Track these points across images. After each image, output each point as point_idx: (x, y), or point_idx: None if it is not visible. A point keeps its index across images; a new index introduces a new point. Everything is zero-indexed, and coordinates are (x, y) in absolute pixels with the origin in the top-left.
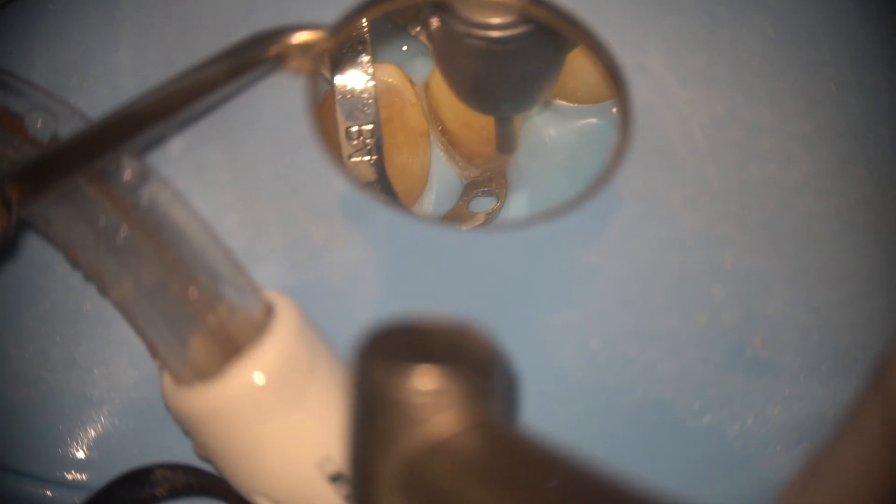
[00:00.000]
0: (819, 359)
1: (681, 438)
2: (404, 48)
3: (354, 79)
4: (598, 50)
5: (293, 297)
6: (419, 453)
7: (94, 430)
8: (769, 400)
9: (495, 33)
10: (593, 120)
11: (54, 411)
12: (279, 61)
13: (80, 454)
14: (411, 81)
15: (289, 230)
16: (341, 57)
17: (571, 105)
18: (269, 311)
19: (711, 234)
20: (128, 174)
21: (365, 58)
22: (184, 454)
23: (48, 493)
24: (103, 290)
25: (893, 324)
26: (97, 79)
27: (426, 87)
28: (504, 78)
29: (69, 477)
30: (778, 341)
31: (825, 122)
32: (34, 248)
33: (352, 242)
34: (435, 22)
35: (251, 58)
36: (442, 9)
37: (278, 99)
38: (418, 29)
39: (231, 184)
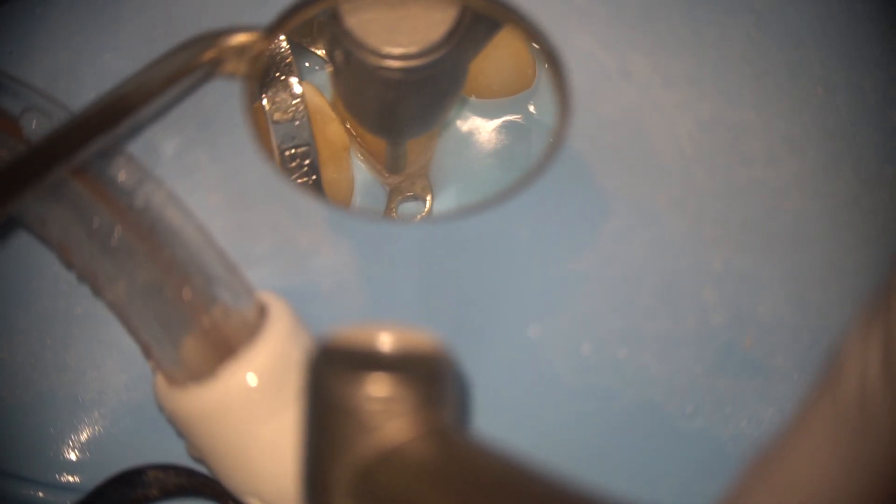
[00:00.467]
0: (810, 359)
1: (673, 441)
2: (306, 64)
3: (284, 101)
4: (535, 34)
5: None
6: (372, 460)
7: (86, 433)
8: (761, 401)
9: (411, 62)
10: (510, 114)
11: (46, 414)
12: (215, 65)
13: (73, 456)
14: (325, 98)
15: (274, 235)
16: (268, 80)
17: (487, 101)
18: (262, 312)
19: (699, 236)
20: (122, 175)
21: (293, 79)
22: (176, 455)
23: (40, 494)
24: (97, 292)
25: None
26: (93, 81)
27: (336, 100)
28: (415, 104)
29: (61, 479)
30: (769, 342)
31: (811, 124)
32: (25, 250)
33: (337, 247)
34: (340, 56)
35: (188, 62)
36: (349, 42)
37: None
38: (314, 46)
39: (219, 187)
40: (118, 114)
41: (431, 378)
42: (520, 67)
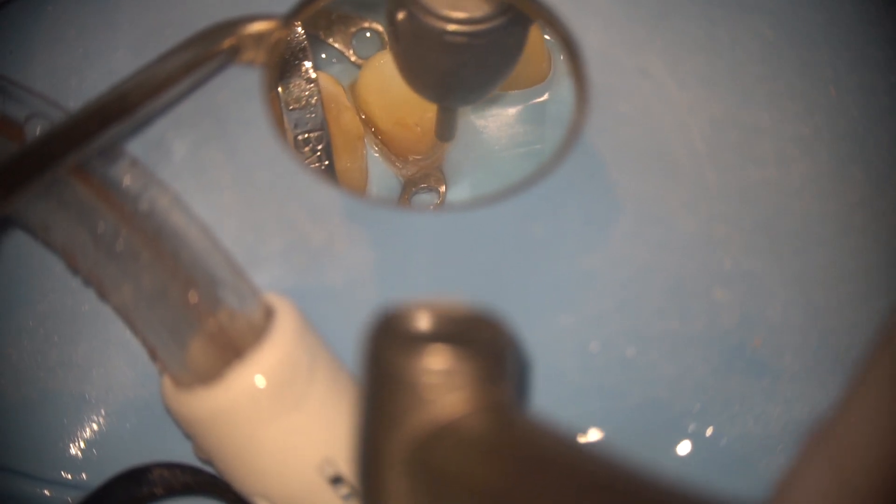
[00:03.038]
0: (819, 360)
1: (680, 440)
2: (322, 56)
3: (298, 87)
4: (554, 23)
5: (293, 299)
6: (428, 433)
7: (93, 430)
8: (769, 401)
9: (476, 27)
10: (524, 107)
11: (52, 411)
12: (234, 53)
13: (79, 454)
14: (342, 86)
15: (288, 232)
16: (283, 66)
17: (501, 93)
18: (269, 314)
19: (710, 236)
20: (127, 180)
21: (307, 64)
22: (182, 454)
23: (46, 492)
24: (103, 296)
25: None
26: (96, 81)
27: (353, 91)
28: (476, 69)
29: (67, 476)
30: (777, 343)
31: (824, 125)
32: (31, 248)
33: (351, 243)
34: (401, 15)
35: (207, 50)
36: (414, 5)
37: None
38: (331, 38)
39: (231, 186)
40: (136, 100)
41: (491, 353)
42: (535, 60)
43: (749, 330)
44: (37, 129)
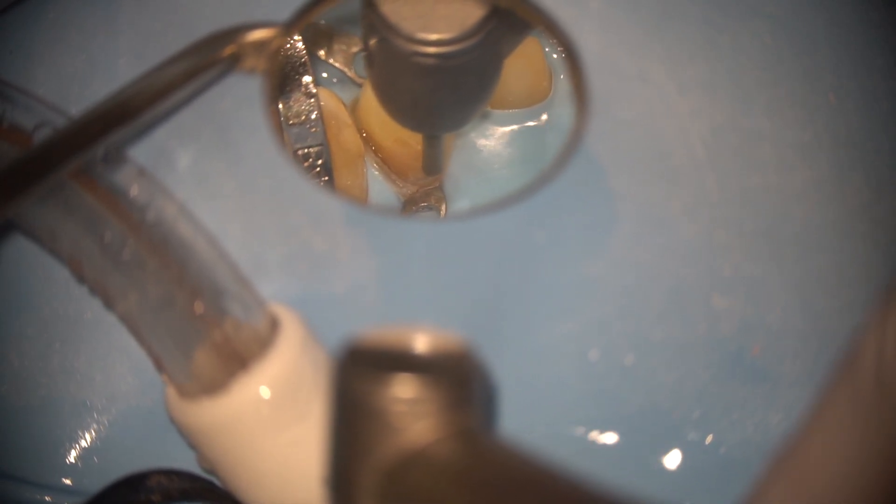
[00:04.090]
0: (818, 366)
1: (679, 447)
2: (324, 75)
3: (298, 102)
4: (554, 29)
5: (296, 308)
6: (398, 461)
7: (94, 437)
8: (769, 408)
9: (447, 48)
10: (525, 124)
11: (54, 418)
12: (234, 60)
13: (80, 461)
14: (343, 103)
15: (291, 240)
16: (283, 80)
17: (502, 112)
18: (274, 325)
19: (710, 242)
20: (135, 189)
21: (307, 79)
22: (184, 462)
23: (47, 498)
24: (109, 304)
25: None
26: (99, 87)
27: (354, 108)
28: (450, 93)
29: (68, 483)
30: (777, 349)
31: (824, 131)
32: (34, 255)
33: (353, 251)
34: (374, 42)
35: (208, 58)
36: (385, 28)
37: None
38: (332, 58)
39: (234, 195)
40: (137, 107)
41: (458, 380)
42: (536, 79)
43: (749, 336)
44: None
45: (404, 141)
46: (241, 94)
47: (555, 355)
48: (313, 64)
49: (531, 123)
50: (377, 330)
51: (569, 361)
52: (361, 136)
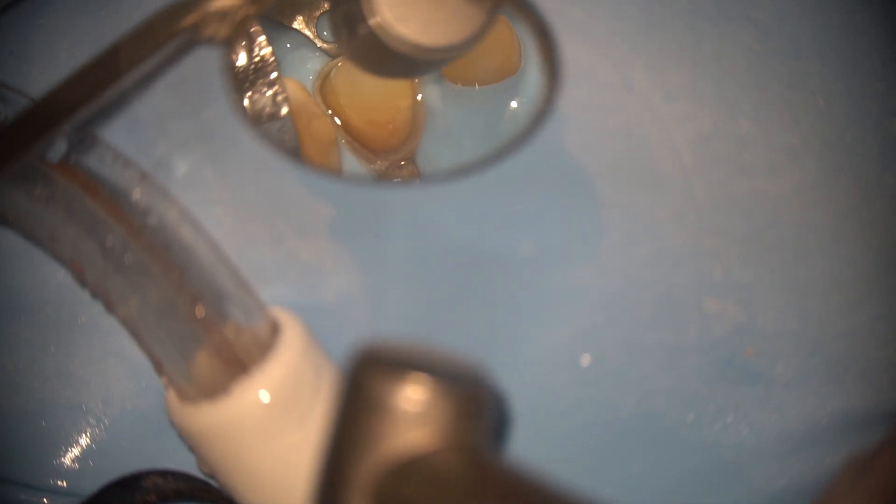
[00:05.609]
0: (811, 368)
1: (675, 450)
2: (287, 45)
3: (265, 100)
4: (524, 7)
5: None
6: (399, 464)
7: (90, 441)
8: (762, 410)
9: (446, 54)
10: (496, 100)
11: (49, 421)
12: (197, 30)
13: (76, 464)
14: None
15: (279, 248)
16: (251, 83)
17: (473, 88)
18: (275, 329)
19: (700, 247)
20: (136, 193)
21: (273, 75)
22: (180, 465)
23: (45, 500)
24: (110, 309)
25: (883, 332)
26: None
27: (322, 85)
28: (435, 67)
29: (64, 485)
30: (770, 352)
31: (812, 134)
32: (29, 257)
33: (341, 260)
34: (363, 28)
35: (171, 28)
36: (380, 31)
37: None
38: (295, 23)
39: (224, 202)
40: (101, 82)
41: (470, 392)
42: (505, 54)
43: (741, 339)
44: None
45: (375, 121)
46: (226, 102)
47: (546, 362)
48: (275, 31)
49: (502, 97)
50: (397, 340)
51: (561, 368)
52: (329, 114)
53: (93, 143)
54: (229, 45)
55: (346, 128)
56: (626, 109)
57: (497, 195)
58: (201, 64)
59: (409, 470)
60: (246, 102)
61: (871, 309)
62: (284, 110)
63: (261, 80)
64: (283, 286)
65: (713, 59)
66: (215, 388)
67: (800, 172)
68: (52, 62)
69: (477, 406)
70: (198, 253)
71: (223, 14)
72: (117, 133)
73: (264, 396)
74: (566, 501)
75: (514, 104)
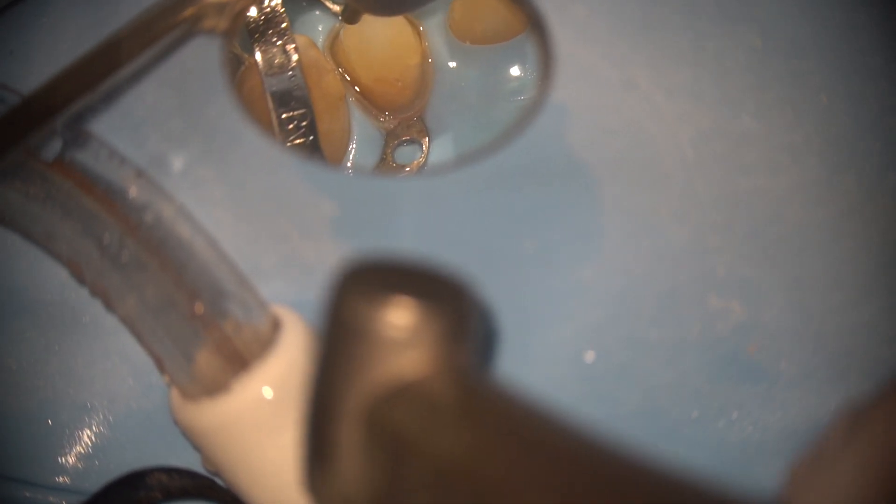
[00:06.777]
0: (814, 365)
1: (679, 447)
2: (304, 3)
3: (277, 53)
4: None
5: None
6: (388, 390)
7: (94, 439)
8: (766, 407)
9: None
10: (502, 58)
11: (53, 420)
12: (195, 22)
13: (81, 462)
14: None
15: (281, 246)
16: (260, 32)
17: (480, 46)
18: (276, 326)
19: (702, 245)
20: (133, 191)
21: (283, 26)
22: (185, 462)
23: (50, 498)
24: (109, 307)
25: (886, 329)
26: (100, 88)
27: (333, 45)
28: None
29: (69, 483)
30: (773, 349)
31: (813, 132)
32: (32, 257)
33: (343, 256)
34: None
35: (169, 19)
36: None
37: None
38: None
39: (224, 200)
40: (101, 72)
41: (455, 313)
42: (512, 12)
43: (744, 336)
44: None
45: (384, 78)
46: (228, 102)
47: (550, 359)
48: None
49: (509, 57)
50: (376, 255)
51: (565, 364)
52: (339, 72)
53: (87, 140)
54: (228, 38)
55: (356, 85)
56: (627, 107)
57: (501, 194)
58: (200, 59)
59: (399, 397)
60: (257, 55)
61: (874, 305)
62: (294, 58)
63: (271, 31)
64: (286, 283)
65: (714, 58)
66: (216, 385)
67: (801, 170)
68: (52, 62)
69: (463, 326)
70: (195, 250)
71: (221, 6)
72: (117, 131)
73: (266, 392)
74: (557, 422)
75: (523, 62)
